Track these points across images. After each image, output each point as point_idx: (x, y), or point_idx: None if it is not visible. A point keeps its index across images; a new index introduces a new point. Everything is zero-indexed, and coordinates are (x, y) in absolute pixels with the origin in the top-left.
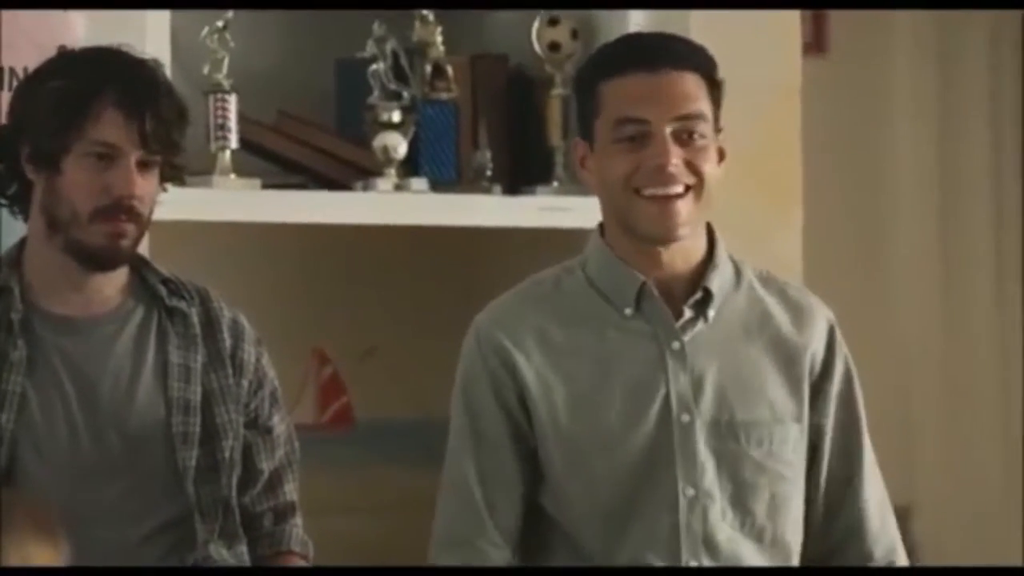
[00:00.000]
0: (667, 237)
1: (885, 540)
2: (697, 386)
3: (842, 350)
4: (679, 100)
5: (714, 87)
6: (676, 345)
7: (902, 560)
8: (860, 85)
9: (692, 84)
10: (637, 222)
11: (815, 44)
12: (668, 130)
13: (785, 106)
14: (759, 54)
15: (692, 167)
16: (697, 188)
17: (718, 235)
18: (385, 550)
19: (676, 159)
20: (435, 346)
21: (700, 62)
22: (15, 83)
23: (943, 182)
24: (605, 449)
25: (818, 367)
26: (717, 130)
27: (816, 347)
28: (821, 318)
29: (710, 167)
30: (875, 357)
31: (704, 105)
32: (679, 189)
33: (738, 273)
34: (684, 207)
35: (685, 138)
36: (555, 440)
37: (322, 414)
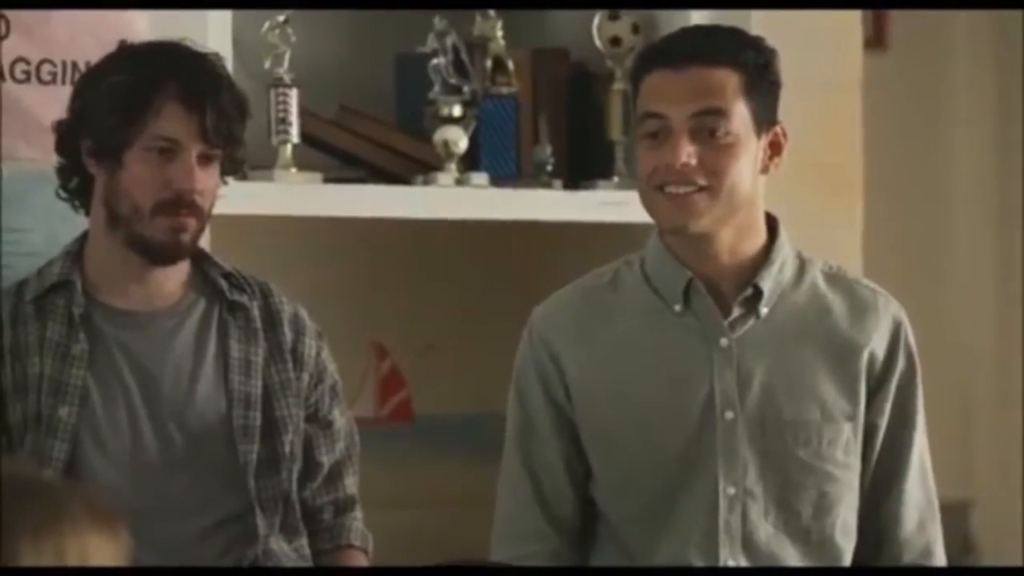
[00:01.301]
0: (683, 231)
1: (917, 545)
2: (744, 384)
3: (906, 348)
4: (697, 96)
5: (756, 81)
6: (724, 342)
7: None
8: (920, 80)
9: (719, 79)
10: (655, 216)
11: (876, 40)
12: (685, 127)
13: (846, 102)
14: (820, 50)
15: (708, 166)
16: (714, 188)
17: (782, 231)
18: (443, 545)
19: (688, 158)
20: (494, 341)
21: (736, 56)
22: (76, 77)
23: (1002, 177)
24: (645, 444)
25: (878, 366)
26: (770, 123)
27: (876, 345)
28: (886, 315)
29: (736, 166)
30: (933, 353)
31: (731, 101)
32: (692, 188)
33: (802, 269)
34: (700, 203)
35: (705, 136)
36: (596, 434)
37: (381, 408)
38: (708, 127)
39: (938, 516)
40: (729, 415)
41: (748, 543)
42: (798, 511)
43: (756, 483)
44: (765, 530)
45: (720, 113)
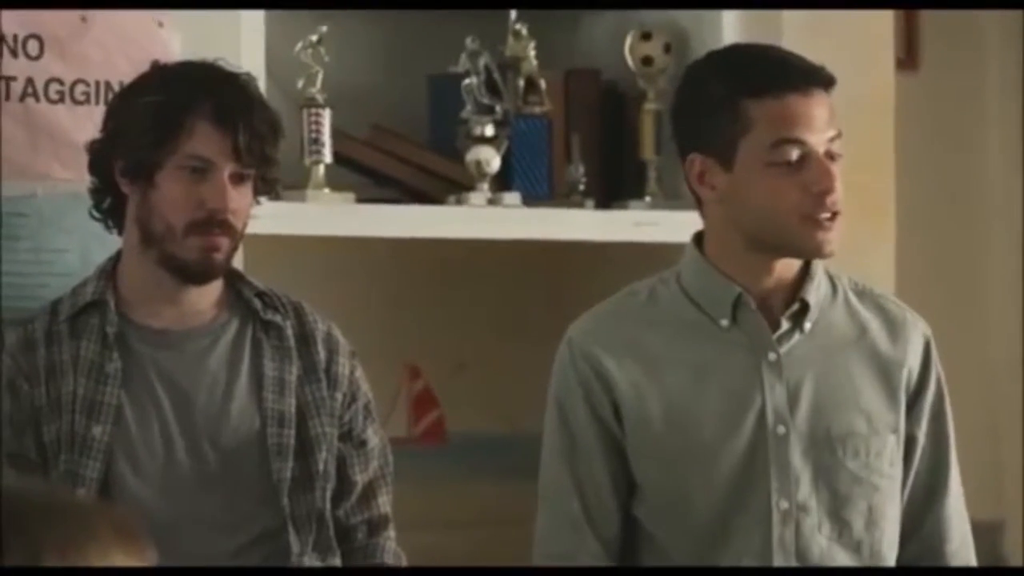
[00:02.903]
0: (825, 255)
1: (962, 558)
2: (793, 398)
3: (936, 365)
4: (829, 120)
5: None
6: (772, 356)
7: None
8: (952, 100)
9: (830, 103)
10: (795, 242)
11: (907, 60)
12: (823, 152)
13: (878, 122)
14: (852, 70)
15: (839, 190)
16: (841, 211)
17: None
18: (475, 565)
19: (839, 182)
20: (527, 361)
21: (830, 81)
22: (110, 97)
23: None
24: (699, 461)
25: (914, 382)
26: None
27: (912, 362)
28: (917, 333)
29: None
30: (966, 371)
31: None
32: (838, 213)
33: (833, 286)
34: (838, 226)
35: (832, 160)
36: (648, 452)
37: (414, 428)
38: (835, 152)
39: (970, 534)
40: (781, 430)
41: (803, 557)
42: (850, 524)
43: (809, 497)
44: (819, 543)
45: (840, 137)
